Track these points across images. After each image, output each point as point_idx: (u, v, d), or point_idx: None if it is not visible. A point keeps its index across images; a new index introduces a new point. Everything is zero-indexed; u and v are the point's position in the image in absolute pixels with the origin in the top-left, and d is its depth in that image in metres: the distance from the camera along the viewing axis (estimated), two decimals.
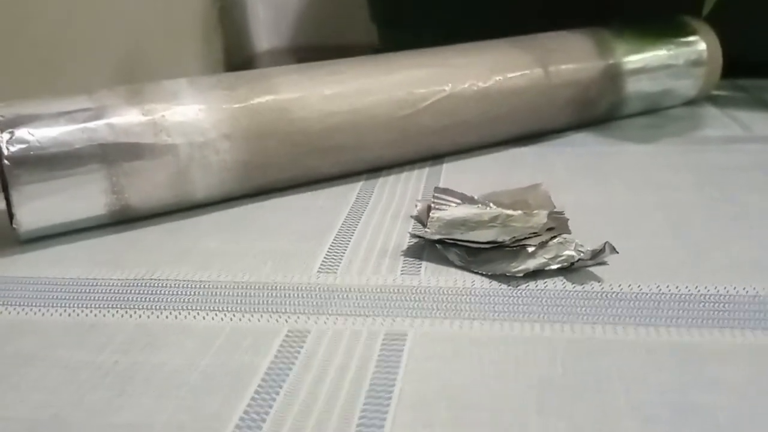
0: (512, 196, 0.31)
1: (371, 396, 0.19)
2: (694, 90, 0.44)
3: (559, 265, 0.25)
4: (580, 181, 0.34)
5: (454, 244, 0.26)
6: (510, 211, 0.29)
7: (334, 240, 0.29)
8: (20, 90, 0.36)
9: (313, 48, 0.78)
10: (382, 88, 0.34)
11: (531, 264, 0.25)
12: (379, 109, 0.34)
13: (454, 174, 0.35)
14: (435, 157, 0.38)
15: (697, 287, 0.24)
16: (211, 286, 0.25)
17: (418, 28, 0.57)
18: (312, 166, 0.33)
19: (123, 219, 0.31)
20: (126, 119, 0.29)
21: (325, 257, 0.27)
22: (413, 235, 0.27)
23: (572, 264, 0.25)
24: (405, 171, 0.36)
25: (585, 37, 0.41)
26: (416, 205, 0.31)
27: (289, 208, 0.32)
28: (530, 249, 0.26)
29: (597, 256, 0.25)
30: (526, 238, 0.26)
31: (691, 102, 0.46)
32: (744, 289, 0.24)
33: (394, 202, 0.32)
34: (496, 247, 0.26)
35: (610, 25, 0.42)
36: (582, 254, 0.25)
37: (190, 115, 0.30)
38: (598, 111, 0.41)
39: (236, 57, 0.71)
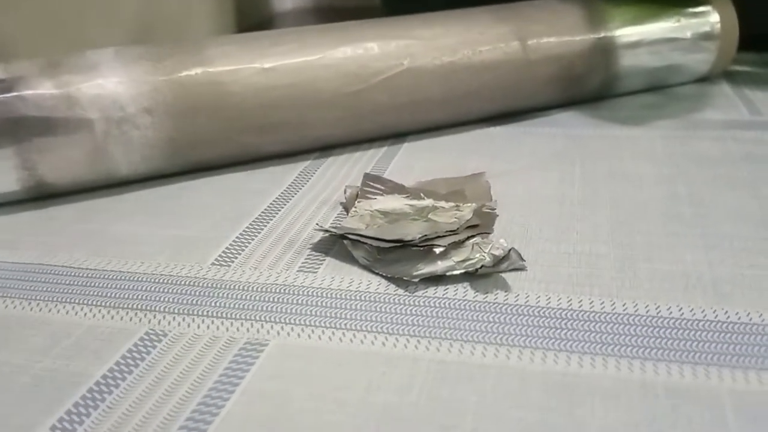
0: (450, 185, 0.28)
1: (191, 419, 0.17)
2: (706, 66, 0.40)
3: (463, 270, 0.22)
4: (539, 168, 0.30)
5: (369, 237, 0.24)
6: (442, 203, 0.27)
7: (247, 227, 0.27)
8: (37, 53, 0.36)
9: (337, 9, 0.75)
10: (328, 61, 0.31)
11: (435, 267, 0.23)
12: (324, 84, 0.31)
13: (410, 155, 0.33)
14: (398, 135, 0.35)
15: (613, 304, 0.21)
16: (92, 275, 0.24)
17: None
18: (249, 144, 0.31)
19: (41, 195, 0.29)
20: (38, 92, 0.28)
21: (227, 247, 0.25)
22: (319, 229, 0.25)
23: (477, 270, 0.22)
24: (360, 150, 0.34)
25: (574, 7, 0.37)
26: (345, 192, 0.28)
27: (220, 189, 0.30)
28: (438, 250, 0.23)
29: (499, 263, 0.22)
30: (437, 237, 0.24)
31: (704, 79, 0.41)
32: (668, 310, 0.21)
33: (331, 186, 0.30)
34: (404, 246, 0.23)
35: None
36: (496, 252, 0.22)
37: (108, 88, 0.28)
38: (588, 88, 0.37)
39: (254, 17, 0.69)
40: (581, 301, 0.21)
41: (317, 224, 0.25)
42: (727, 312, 0.20)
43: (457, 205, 0.26)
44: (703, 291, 0.21)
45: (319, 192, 0.30)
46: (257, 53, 0.31)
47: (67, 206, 0.29)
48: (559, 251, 0.24)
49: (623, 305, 0.21)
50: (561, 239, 0.25)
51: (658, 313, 0.20)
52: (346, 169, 0.32)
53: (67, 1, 0.41)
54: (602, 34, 0.36)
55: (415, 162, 0.32)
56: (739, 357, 0.18)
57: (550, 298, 0.21)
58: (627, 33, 0.37)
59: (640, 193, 0.28)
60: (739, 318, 0.20)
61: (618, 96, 0.39)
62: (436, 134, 0.35)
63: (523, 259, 0.22)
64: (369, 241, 0.24)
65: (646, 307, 0.21)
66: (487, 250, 0.23)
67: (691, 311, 0.20)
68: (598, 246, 0.24)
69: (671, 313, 0.20)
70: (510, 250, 0.22)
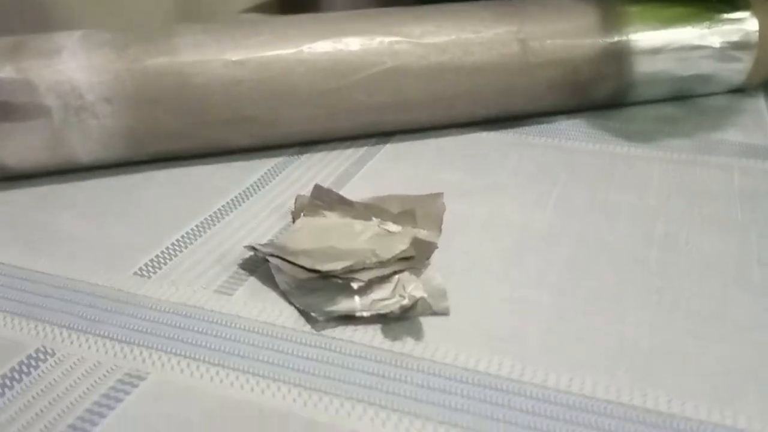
0: (403, 204, 0.26)
1: None
2: (741, 76, 0.36)
3: (369, 313, 0.21)
4: (514, 188, 0.28)
5: (290, 262, 0.23)
6: (389, 224, 0.25)
7: (188, 232, 0.26)
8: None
9: None
10: (304, 56, 0.30)
11: (351, 304, 0.21)
12: (298, 80, 0.30)
13: (386, 160, 0.31)
14: (382, 134, 0.33)
15: (522, 370, 0.19)
16: (15, 275, 0.24)
17: None
18: (215, 139, 0.30)
19: (2, 177, 0.29)
20: None
21: (158, 255, 0.24)
22: (247, 247, 0.24)
23: (387, 314, 0.21)
24: (339, 148, 0.32)
25: (588, 7, 0.34)
26: (295, 200, 0.27)
27: (180, 183, 0.29)
28: (356, 285, 0.21)
29: (407, 311, 0.21)
30: (363, 270, 0.22)
31: (740, 90, 0.38)
32: (580, 385, 0.19)
33: (293, 189, 0.29)
34: (327, 275, 0.22)
35: None
36: (403, 302, 0.21)
37: (68, 74, 0.28)
38: (597, 95, 0.34)
39: None
40: (490, 362, 0.19)
41: (247, 245, 0.24)
42: (645, 396, 0.18)
43: (395, 232, 0.24)
44: (630, 365, 0.19)
45: (277, 194, 0.28)
46: (228, 44, 0.29)
47: (26, 191, 0.29)
48: (495, 295, 0.22)
49: (533, 372, 0.19)
50: (504, 279, 0.23)
51: (568, 388, 0.18)
52: (315, 171, 0.30)
53: None
54: (616, 39, 0.33)
55: (387, 169, 0.30)
56: None
57: (458, 353, 0.20)
58: (647, 38, 0.34)
59: (611, 230, 0.25)
60: (657, 405, 0.18)
61: (637, 104, 0.36)
62: (423, 136, 0.33)
63: (431, 310, 0.21)
64: (288, 270, 0.22)
65: (556, 379, 0.19)
66: (408, 290, 0.21)
67: (605, 389, 0.18)
68: (540, 293, 0.22)
69: (582, 388, 0.18)
70: (418, 300, 0.21)
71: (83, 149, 0.29)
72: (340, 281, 0.22)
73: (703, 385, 0.18)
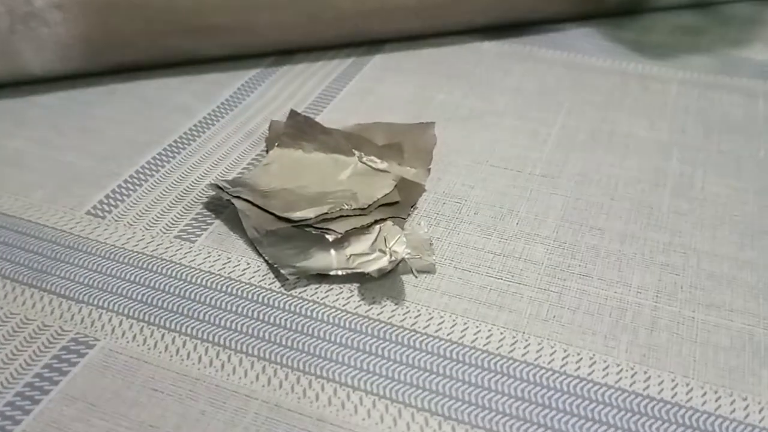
0: (390, 135, 0.24)
1: None
2: None
3: (345, 272, 0.19)
4: (513, 115, 0.26)
5: (259, 207, 0.20)
6: (372, 159, 0.22)
7: (148, 161, 0.23)
8: None
9: None
10: None
11: (324, 260, 0.19)
12: None
13: (374, 73, 0.28)
14: (371, 42, 0.30)
15: (513, 343, 0.17)
16: None
17: None
18: (181, 48, 0.27)
19: None
20: None
21: (114, 189, 0.22)
22: (211, 185, 0.21)
23: (366, 274, 0.19)
24: (323, 58, 0.29)
25: None
26: (269, 126, 0.24)
27: (142, 98, 0.27)
28: (331, 237, 0.19)
29: (387, 274, 0.19)
30: (340, 218, 0.20)
31: None
32: (576, 364, 0.17)
33: (270, 108, 0.26)
34: (299, 225, 0.20)
35: None
36: (382, 262, 0.18)
37: None
38: (610, 0, 0.31)
39: None
40: (478, 331, 0.17)
41: (211, 184, 0.21)
42: (648, 379, 0.16)
43: (382, 169, 0.22)
44: (630, 340, 0.17)
45: (251, 116, 0.26)
46: None
47: None
48: (485, 248, 0.20)
49: (525, 347, 0.17)
50: (495, 228, 0.20)
51: (561, 368, 0.17)
52: (294, 87, 0.27)
53: None
54: None
55: (375, 85, 0.27)
56: None
57: (443, 321, 0.18)
58: None
59: (618, 168, 0.23)
60: (661, 393, 0.16)
61: (655, 11, 0.33)
62: (415, 45, 0.30)
63: (425, 264, 0.19)
64: (256, 217, 0.20)
65: (551, 354, 0.17)
66: (390, 245, 0.19)
67: (604, 371, 0.16)
68: (535, 245, 0.20)
69: (578, 369, 0.17)
70: (399, 262, 0.18)
71: (36, 60, 0.26)
72: (313, 231, 0.19)
73: (713, 367, 0.17)
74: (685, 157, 0.23)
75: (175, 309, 0.18)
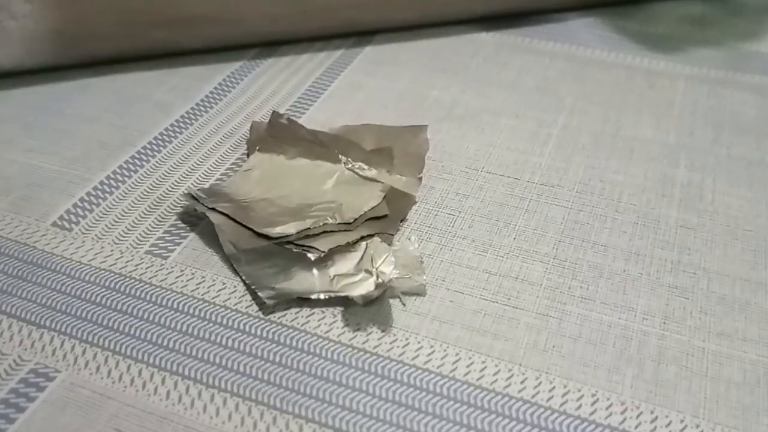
0: (379, 138, 0.22)
1: None
2: None
3: (328, 296, 0.17)
4: (512, 113, 0.24)
5: (236, 221, 0.19)
6: (359, 165, 0.21)
7: (120, 166, 0.22)
8: None
9: None
10: None
11: (297, 285, 0.18)
12: None
13: (366, 67, 0.26)
14: (362, 33, 0.28)
15: (509, 377, 0.16)
16: None
17: None
18: (161, 41, 0.25)
19: None
20: None
21: (83, 197, 0.21)
22: (185, 194, 0.20)
23: (351, 298, 0.17)
24: (311, 50, 0.27)
25: None
26: (250, 128, 0.23)
27: (118, 94, 0.25)
28: (313, 256, 0.18)
29: (373, 301, 0.17)
30: (323, 234, 0.18)
31: None
32: (577, 402, 0.15)
33: (252, 106, 0.24)
34: (279, 242, 0.18)
35: None
36: (369, 286, 0.17)
37: None
38: None
39: None
40: (471, 363, 0.16)
41: (186, 194, 0.20)
42: (655, 420, 0.15)
43: (369, 178, 0.20)
44: (636, 374, 0.16)
45: (232, 114, 0.24)
46: None
47: None
48: (480, 266, 0.18)
49: (521, 381, 0.16)
50: (491, 244, 0.19)
51: (561, 407, 0.15)
52: (279, 82, 0.26)
53: None
54: None
55: (365, 79, 0.26)
56: None
57: (433, 352, 0.16)
58: None
59: (622, 173, 0.21)
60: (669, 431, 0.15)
61: (661, 0, 0.31)
62: (409, 36, 0.28)
63: (415, 286, 0.17)
64: (232, 233, 0.18)
65: (550, 391, 0.16)
66: (377, 265, 0.18)
67: (607, 410, 0.15)
68: (533, 263, 0.18)
69: (579, 408, 0.15)
70: (386, 288, 0.17)
71: (3, 54, 0.24)
72: (294, 249, 0.18)
73: (724, 406, 0.15)
74: (693, 163, 0.22)
75: (142, 336, 0.17)
